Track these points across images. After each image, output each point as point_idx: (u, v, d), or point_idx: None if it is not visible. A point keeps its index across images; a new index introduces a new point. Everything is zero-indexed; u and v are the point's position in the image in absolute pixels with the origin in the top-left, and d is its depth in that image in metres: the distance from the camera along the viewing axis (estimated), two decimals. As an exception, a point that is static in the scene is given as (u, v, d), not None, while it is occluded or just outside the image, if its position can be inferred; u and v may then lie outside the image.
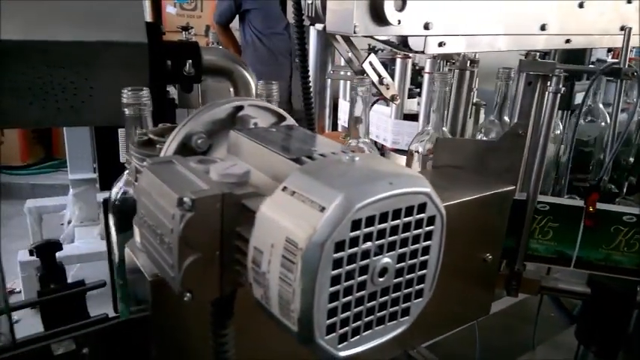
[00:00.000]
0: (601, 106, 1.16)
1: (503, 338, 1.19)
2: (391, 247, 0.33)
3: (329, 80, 1.04)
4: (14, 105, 0.72)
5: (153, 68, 0.72)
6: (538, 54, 0.85)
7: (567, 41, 0.93)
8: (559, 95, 0.73)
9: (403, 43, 0.73)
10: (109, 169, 2.16)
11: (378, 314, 0.34)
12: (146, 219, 0.37)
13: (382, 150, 1.35)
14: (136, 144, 0.47)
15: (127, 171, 0.60)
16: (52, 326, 0.62)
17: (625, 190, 1.10)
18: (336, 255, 0.30)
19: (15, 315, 0.59)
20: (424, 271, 0.35)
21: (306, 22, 0.78)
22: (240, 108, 0.45)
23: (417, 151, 0.93)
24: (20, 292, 2.12)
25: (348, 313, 0.32)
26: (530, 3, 0.83)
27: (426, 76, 1.19)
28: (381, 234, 0.32)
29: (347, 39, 0.77)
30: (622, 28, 0.92)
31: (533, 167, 0.75)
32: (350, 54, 0.78)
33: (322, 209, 0.30)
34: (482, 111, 1.27)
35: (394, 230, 0.32)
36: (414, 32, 0.69)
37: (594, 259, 0.79)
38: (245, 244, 0.34)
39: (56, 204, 2.59)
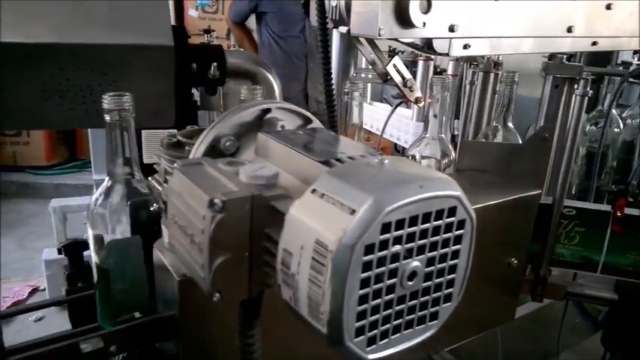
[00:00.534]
0: (613, 110, 1.14)
1: (526, 344, 1.18)
2: (421, 250, 0.33)
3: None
4: (43, 106, 0.74)
5: (179, 71, 0.73)
6: (565, 56, 0.84)
7: (594, 44, 0.91)
8: (586, 98, 0.72)
9: (428, 45, 0.73)
10: (132, 170, 2.19)
11: (407, 318, 0.34)
12: (176, 219, 0.37)
13: (402, 153, 1.35)
14: (165, 146, 0.48)
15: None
16: (80, 324, 0.63)
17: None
18: (365, 258, 0.30)
19: (39, 312, 0.60)
20: (453, 275, 0.35)
21: (330, 25, 0.78)
22: (267, 111, 0.46)
23: (414, 157, 0.92)
24: (45, 289, 2.16)
25: (377, 316, 0.32)
26: (556, 4, 0.82)
27: (450, 79, 1.19)
28: (411, 237, 0.32)
29: (371, 41, 0.77)
30: (652, 30, 0.91)
31: (559, 171, 0.75)
32: (374, 56, 0.78)
33: (352, 212, 0.30)
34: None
35: (424, 234, 0.32)
36: (438, 34, 0.69)
37: (622, 264, 0.78)
38: (274, 245, 0.35)
39: (80, 203, 2.63)
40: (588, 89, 0.71)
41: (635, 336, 0.85)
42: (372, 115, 1.97)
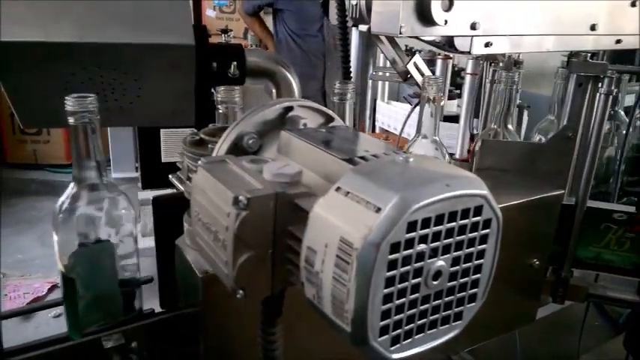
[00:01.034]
0: (622, 112, 1.11)
1: (545, 346, 1.16)
2: (446, 250, 0.32)
3: (370, 82, 1.04)
4: (64, 105, 0.75)
5: (199, 70, 0.74)
6: (589, 55, 0.82)
7: (618, 42, 0.90)
8: (611, 97, 0.70)
9: (449, 43, 0.72)
10: (150, 169, 2.22)
11: (431, 317, 0.34)
12: (200, 217, 0.37)
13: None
14: (188, 144, 0.48)
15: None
16: (102, 320, 0.64)
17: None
18: (391, 256, 0.30)
19: (58, 309, 0.61)
20: (478, 275, 0.35)
21: (349, 24, 0.78)
22: (289, 109, 0.46)
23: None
24: (64, 286, 2.20)
25: (401, 316, 0.32)
26: (580, 2, 0.81)
27: (468, 77, 1.18)
28: (436, 236, 0.31)
29: (391, 40, 0.77)
30: (678, 28, 0.89)
31: (582, 171, 0.73)
32: (394, 55, 0.77)
33: (378, 210, 0.30)
34: (525, 113, 1.24)
35: (449, 233, 0.32)
36: (460, 32, 0.68)
37: (646, 266, 0.76)
38: (297, 243, 0.35)
39: (99, 201, 2.66)
40: (613, 88, 0.70)
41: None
42: (390, 114, 1.97)
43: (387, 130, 1.94)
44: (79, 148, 0.54)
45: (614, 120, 1.10)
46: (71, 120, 0.51)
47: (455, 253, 0.33)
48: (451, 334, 0.35)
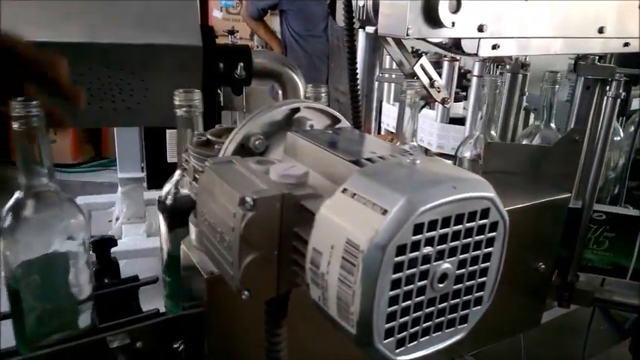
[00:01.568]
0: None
1: (550, 350, 1.16)
2: (452, 252, 0.32)
3: (376, 83, 1.04)
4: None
5: (206, 71, 0.74)
6: (596, 57, 0.82)
7: (626, 44, 0.89)
8: (619, 100, 0.70)
9: (456, 45, 0.72)
10: (156, 169, 2.22)
11: (437, 320, 0.34)
12: (206, 217, 0.38)
13: (426, 154, 1.34)
14: (195, 144, 0.48)
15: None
16: (107, 319, 0.64)
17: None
18: (397, 259, 0.30)
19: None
20: (484, 279, 0.35)
21: (356, 25, 0.78)
22: (296, 110, 0.46)
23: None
24: (70, 285, 2.20)
25: (406, 318, 0.32)
26: (587, 4, 0.81)
27: (474, 80, 1.17)
28: (443, 239, 0.31)
29: (398, 41, 0.77)
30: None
31: (589, 175, 0.73)
32: (401, 57, 0.77)
33: (384, 212, 0.30)
34: (532, 116, 1.23)
35: (456, 235, 0.32)
36: (467, 34, 0.68)
37: (653, 271, 0.76)
38: (303, 244, 0.35)
39: (105, 201, 2.67)
40: (621, 91, 0.69)
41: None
42: (395, 115, 1.96)
43: (392, 132, 1.94)
44: (25, 154, 0.51)
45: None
46: (15, 125, 0.49)
47: (461, 256, 0.33)
48: (457, 337, 0.35)
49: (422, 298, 0.32)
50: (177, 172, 0.61)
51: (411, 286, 0.31)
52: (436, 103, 0.81)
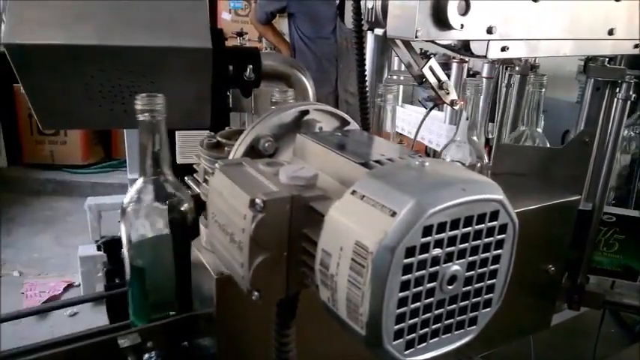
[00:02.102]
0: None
1: (560, 353, 1.15)
2: (461, 254, 0.32)
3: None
4: (84, 107, 0.75)
5: (215, 73, 0.74)
6: (606, 59, 0.81)
7: (636, 46, 0.89)
8: (629, 102, 0.70)
9: (465, 47, 0.72)
10: (165, 170, 2.23)
11: (446, 322, 0.34)
12: (217, 218, 0.38)
13: (434, 156, 1.34)
14: (205, 146, 0.49)
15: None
16: (117, 319, 0.65)
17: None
18: (406, 260, 0.30)
19: (74, 308, 0.62)
20: (493, 281, 0.35)
21: (365, 27, 0.78)
22: (305, 112, 0.46)
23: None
24: (79, 285, 2.22)
25: (415, 320, 0.32)
26: (597, 6, 0.80)
27: (483, 81, 1.17)
28: (452, 241, 0.31)
29: (407, 43, 0.77)
30: (698, 32, 0.87)
31: (599, 177, 0.73)
32: (409, 58, 0.77)
33: (393, 214, 0.30)
34: (541, 117, 1.23)
35: (465, 237, 0.32)
36: (476, 36, 0.68)
37: (664, 274, 0.76)
38: (312, 246, 0.35)
39: (115, 202, 2.68)
40: (631, 93, 0.69)
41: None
42: (404, 117, 1.96)
43: (400, 134, 1.94)
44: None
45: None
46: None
47: (470, 258, 0.33)
48: (465, 339, 0.35)
49: (431, 299, 0.32)
50: (140, 180, 0.58)
51: (420, 287, 0.31)
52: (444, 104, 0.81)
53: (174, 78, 0.74)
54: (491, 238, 0.33)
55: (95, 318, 0.64)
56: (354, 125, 0.49)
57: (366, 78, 0.83)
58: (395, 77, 1.46)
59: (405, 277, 0.30)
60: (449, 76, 1.30)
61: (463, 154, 0.83)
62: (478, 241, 0.32)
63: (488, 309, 0.36)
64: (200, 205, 0.55)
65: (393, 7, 0.68)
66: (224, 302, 0.47)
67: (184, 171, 0.63)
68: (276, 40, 2.82)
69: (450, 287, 0.33)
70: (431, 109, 0.90)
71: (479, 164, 0.83)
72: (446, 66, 1.77)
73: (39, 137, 3.57)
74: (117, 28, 0.71)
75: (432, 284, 0.32)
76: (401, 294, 0.31)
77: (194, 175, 0.54)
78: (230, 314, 0.47)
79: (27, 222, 3.01)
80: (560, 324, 1.09)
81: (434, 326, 0.33)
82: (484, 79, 1.11)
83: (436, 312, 0.33)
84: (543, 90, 0.89)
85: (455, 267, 0.32)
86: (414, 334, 0.32)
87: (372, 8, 0.74)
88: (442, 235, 0.31)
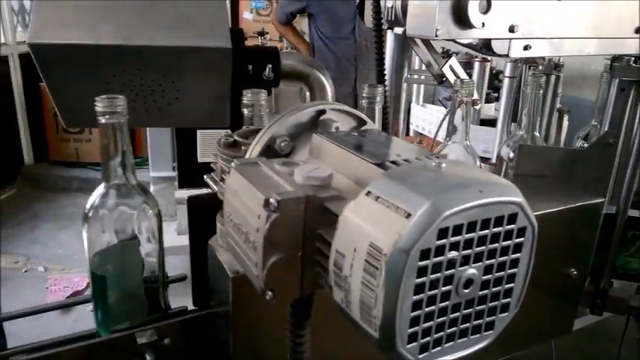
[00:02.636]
0: None
1: (583, 358, 1.13)
2: (478, 257, 0.32)
3: (404, 85, 1.03)
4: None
5: (235, 72, 0.75)
6: (632, 59, 0.79)
7: (665, 44, 0.86)
8: (656, 103, 0.68)
9: (486, 46, 0.71)
10: (187, 168, 2.26)
11: (461, 326, 0.33)
12: (232, 217, 0.38)
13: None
14: (222, 145, 0.49)
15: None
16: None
17: None
18: (421, 263, 0.30)
19: (88, 306, 0.63)
20: (511, 285, 0.34)
21: (385, 26, 0.77)
22: (322, 112, 0.46)
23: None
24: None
25: (430, 323, 0.32)
26: (623, 4, 0.78)
27: (506, 80, 1.15)
28: (468, 244, 0.31)
29: (427, 42, 0.76)
30: None
31: (623, 179, 0.71)
32: (429, 58, 0.77)
33: (408, 216, 0.29)
34: (565, 117, 1.21)
35: (482, 240, 0.31)
36: (498, 35, 0.67)
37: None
38: (326, 246, 0.35)
39: (137, 200, 2.72)
40: (658, 93, 0.67)
41: None
42: (424, 117, 1.95)
43: (421, 134, 1.92)
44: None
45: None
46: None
47: (487, 262, 0.32)
48: (482, 344, 0.35)
49: (446, 303, 0.32)
50: (102, 185, 0.57)
51: (435, 290, 0.31)
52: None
53: (195, 77, 0.75)
54: (509, 242, 0.32)
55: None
56: (371, 125, 0.48)
57: (386, 77, 0.83)
58: (415, 76, 1.44)
59: (419, 280, 0.30)
60: (471, 76, 1.28)
61: (457, 157, 0.82)
62: (495, 245, 0.32)
63: (506, 313, 0.35)
64: (218, 204, 0.55)
65: (413, 6, 0.68)
66: (239, 301, 0.47)
67: (204, 169, 0.64)
68: (296, 40, 2.83)
69: (466, 291, 0.32)
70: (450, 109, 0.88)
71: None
72: (468, 65, 1.75)
73: (64, 135, 3.65)
74: (138, 28, 0.72)
75: (447, 287, 0.31)
76: (415, 297, 0.30)
77: (212, 173, 0.55)
78: (245, 313, 0.48)
79: (52, 218, 3.08)
80: (582, 329, 1.07)
81: (449, 330, 0.33)
82: (506, 79, 1.09)
83: (451, 316, 0.32)
84: (541, 92, 0.86)
85: (471, 270, 0.32)
86: (428, 338, 0.32)
87: (391, 7, 0.74)
88: (458, 237, 0.30)
